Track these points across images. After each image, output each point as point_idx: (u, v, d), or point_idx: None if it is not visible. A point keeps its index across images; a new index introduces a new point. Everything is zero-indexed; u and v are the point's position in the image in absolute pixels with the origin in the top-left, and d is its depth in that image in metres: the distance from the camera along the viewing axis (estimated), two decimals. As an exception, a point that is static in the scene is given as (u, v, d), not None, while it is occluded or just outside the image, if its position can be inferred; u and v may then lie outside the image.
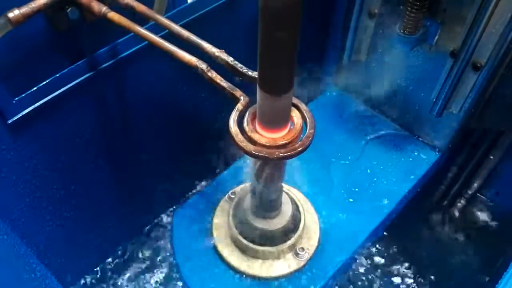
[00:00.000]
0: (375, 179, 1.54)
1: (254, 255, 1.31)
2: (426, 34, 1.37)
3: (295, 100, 0.92)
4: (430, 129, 1.61)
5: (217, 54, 0.96)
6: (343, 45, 1.61)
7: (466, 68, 1.31)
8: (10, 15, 0.94)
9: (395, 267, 1.80)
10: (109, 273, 1.76)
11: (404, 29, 1.31)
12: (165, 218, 1.89)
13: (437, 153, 1.62)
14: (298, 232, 1.32)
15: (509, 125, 1.46)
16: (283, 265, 1.31)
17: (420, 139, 1.66)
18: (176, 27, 1.01)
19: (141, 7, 1.05)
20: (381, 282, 1.76)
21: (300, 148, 0.89)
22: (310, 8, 1.62)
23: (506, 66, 1.34)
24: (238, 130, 0.90)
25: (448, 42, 1.35)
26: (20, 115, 1.08)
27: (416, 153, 1.62)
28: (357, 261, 1.77)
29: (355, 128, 1.69)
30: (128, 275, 1.76)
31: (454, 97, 1.41)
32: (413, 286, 1.76)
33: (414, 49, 1.41)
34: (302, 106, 0.93)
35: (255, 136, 0.90)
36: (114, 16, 1.01)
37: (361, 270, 1.77)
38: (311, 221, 1.39)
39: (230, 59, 0.95)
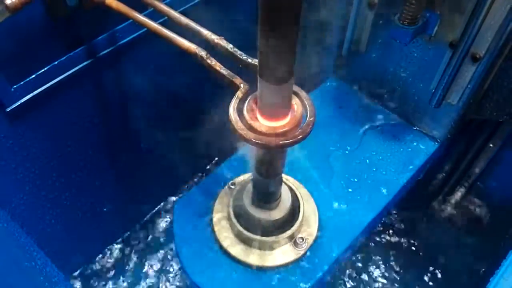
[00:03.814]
0: (374, 169, 1.54)
1: (254, 245, 1.31)
2: (426, 25, 1.36)
3: (295, 88, 0.92)
4: (429, 120, 1.61)
5: (216, 41, 0.95)
6: (342, 36, 1.60)
7: (465, 59, 1.31)
8: (8, 1, 0.93)
9: (394, 256, 1.81)
10: (109, 262, 1.76)
11: (404, 19, 1.30)
12: (165, 208, 1.90)
13: (436, 143, 1.62)
14: (297, 222, 1.32)
15: (508, 116, 1.46)
16: (282, 255, 1.31)
17: (419, 129, 1.66)
18: (175, 14, 1.00)
19: (139, -6, 1.04)
20: (380, 270, 1.77)
21: (300, 136, 0.88)
22: (310, -3, 1.62)
23: (505, 57, 1.34)
24: (238, 118, 0.90)
25: (447, 33, 1.35)
26: (18, 103, 1.08)
27: (415, 144, 1.62)
28: (356, 250, 1.78)
29: (354, 118, 1.69)
30: (128, 263, 1.77)
31: (453, 88, 1.40)
32: (412, 274, 1.78)
33: (413, 40, 1.40)
34: (303, 94, 0.93)
35: (255, 124, 0.89)
36: (112, 2, 1.01)
37: (360, 259, 1.78)
38: (310, 211, 1.40)
39: (229, 46, 0.94)
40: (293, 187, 1.40)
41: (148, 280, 1.74)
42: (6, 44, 1.04)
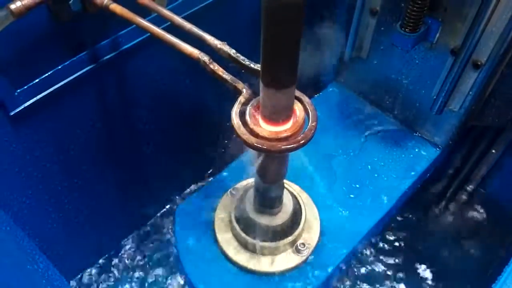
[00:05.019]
0: (375, 175, 1.54)
1: (255, 251, 1.31)
2: (427, 32, 1.37)
3: (297, 93, 0.92)
4: (431, 126, 1.61)
5: (219, 46, 0.96)
6: (344, 42, 1.61)
7: (466, 66, 1.31)
8: (12, 6, 0.94)
9: (395, 262, 1.81)
10: (110, 266, 1.76)
11: (405, 27, 1.31)
12: (168, 212, 1.90)
13: (437, 149, 1.62)
14: (299, 228, 1.32)
15: (510, 122, 1.47)
16: (284, 260, 1.31)
17: (421, 135, 1.66)
18: (178, 19, 1.01)
19: (143, -1, 1.05)
20: (381, 276, 1.77)
21: (303, 141, 0.88)
22: (312, 4, 1.63)
23: (507, 64, 1.35)
24: (240, 123, 0.90)
25: (449, 40, 1.36)
26: (22, 107, 1.08)
27: (416, 150, 1.62)
28: (357, 256, 1.78)
29: (356, 124, 1.69)
30: (130, 268, 1.77)
31: (455, 95, 1.41)
32: (413, 279, 1.77)
33: (415, 46, 1.41)
34: (305, 99, 0.93)
35: (257, 129, 0.90)
36: (116, 7, 1.01)
37: (361, 265, 1.78)
38: (312, 216, 1.39)
39: (232, 51, 0.95)
40: (295, 193, 1.40)
41: (150, 285, 1.74)
42: (10, 49, 1.04)
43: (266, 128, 0.90)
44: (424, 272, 1.79)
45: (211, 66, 0.94)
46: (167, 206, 1.91)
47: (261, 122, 0.91)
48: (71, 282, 1.68)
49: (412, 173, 1.55)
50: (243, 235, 1.30)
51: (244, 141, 0.89)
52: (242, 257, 1.31)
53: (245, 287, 1.29)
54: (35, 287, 0.85)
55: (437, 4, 1.30)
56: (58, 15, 1.06)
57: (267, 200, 1.24)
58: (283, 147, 0.88)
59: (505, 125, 1.50)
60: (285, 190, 1.30)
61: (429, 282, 1.77)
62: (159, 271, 1.76)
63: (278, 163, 1.09)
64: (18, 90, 1.06)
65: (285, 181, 1.25)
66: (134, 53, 1.25)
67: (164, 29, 0.99)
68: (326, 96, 1.81)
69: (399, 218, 1.89)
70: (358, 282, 1.75)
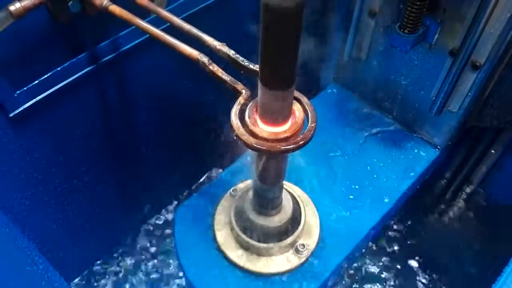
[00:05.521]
0: (375, 176, 1.54)
1: (255, 252, 1.31)
2: (426, 33, 1.37)
3: (296, 94, 0.92)
4: (430, 127, 1.61)
5: (218, 47, 0.96)
6: (344, 43, 1.62)
7: (465, 67, 1.32)
8: (12, 8, 0.94)
9: (396, 262, 1.81)
10: (110, 267, 1.76)
11: (404, 28, 1.31)
12: (167, 213, 1.90)
13: (436, 150, 1.62)
14: (299, 229, 1.32)
15: (509, 123, 1.47)
16: (283, 261, 1.31)
17: (420, 136, 1.66)
18: (178, 20, 1.01)
19: (142, 0, 1.05)
20: (381, 277, 1.77)
21: (302, 142, 0.88)
22: (312, 5, 1.63)
23: (505, 65, 1.35)
24: (239, 124, 0.90)
25: (447, 41, 1.36)
26: (21, 108, 1.09)
27: (416, 151, 1.62)
28: (357, 257, 1.78)
29: (355, 125, 1.69)
30: (129, 268, 1.77)
31: (453, 96, 1.41)
32: (412, 280, 1.77)
33: (414, 48, 1.41)
34: (304, 100, 0.93)
35: (256, 130, 0.90)
36: (115, 9, 1.01)
37: (361, 266, 1.78)
38: (311, 218, 1.39)
39: (231, 52, 0.95)
40: (295, 194, 1.40)
41: (150, 285, 1.74)
42: (10, 50, 1.05)
43: (265, 129, 0.90)
44: (424, 272, 1.79)
45: (211, 67, 0.94)
46: (168, 207, 1.91)
47: (260, 123, 0.91)
48: (71, 283, 1.68)
49: (412, 174, 1.55)
50: (243, 236, 1.30)
51: (243, 142, 0.89)
52: (241, 258, 1.31)
53: (245, 287, 1.29)
54: (34, 289, 0.85)
55: (436, 5, 1.31)
56: (58, 16, 1.06)
57: (266, 201, 1.24)
58: (282, 148, 0.88)
59: (504, 125, 1.50)
60: (284, 191, 1.30)
61: (429, 282, 1.77)
62: (158, 271, 1.76)
63: (277, 164, 1.09)
64: (18, 92, 1.06)
65: (284, 182, 1.25)
66: (133, 54, 1.26)
67: (164, 30, 0.99)
68: (325, 97, 1.81)
69: (398, 219, 1.89)
70: (358, 283, 1.75)
